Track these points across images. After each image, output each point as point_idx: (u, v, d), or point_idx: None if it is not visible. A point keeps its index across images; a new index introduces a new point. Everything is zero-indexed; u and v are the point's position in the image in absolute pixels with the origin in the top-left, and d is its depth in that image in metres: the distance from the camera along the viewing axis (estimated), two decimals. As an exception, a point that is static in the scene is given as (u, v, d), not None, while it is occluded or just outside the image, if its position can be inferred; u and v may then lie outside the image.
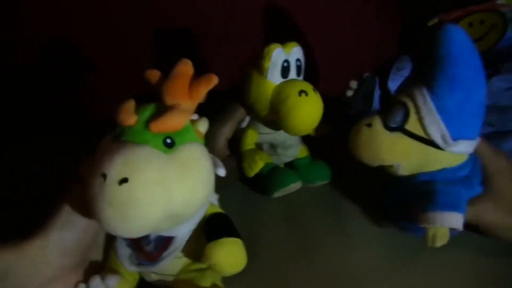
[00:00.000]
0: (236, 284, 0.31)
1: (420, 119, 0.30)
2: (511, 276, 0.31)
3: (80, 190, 0.27)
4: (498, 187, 0.32)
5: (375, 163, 0.33)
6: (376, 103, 0.48)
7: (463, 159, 0.32)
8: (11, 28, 0.59)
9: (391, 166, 0.32)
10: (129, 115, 0.25)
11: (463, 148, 0.30)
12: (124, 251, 0.29)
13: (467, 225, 0.31)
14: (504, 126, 0.44)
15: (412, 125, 0.30)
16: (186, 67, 0.28)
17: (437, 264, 0.33)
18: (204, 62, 0.62)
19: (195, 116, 0.29)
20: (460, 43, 0.29)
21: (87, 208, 0.27)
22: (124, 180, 0.22)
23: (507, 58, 0.48)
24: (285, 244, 0.37)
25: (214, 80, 0.28)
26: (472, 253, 0.34)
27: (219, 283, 0.30)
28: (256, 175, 0.43)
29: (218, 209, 0.30)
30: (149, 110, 0.26)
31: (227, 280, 0.30)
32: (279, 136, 0.44)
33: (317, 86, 0.40)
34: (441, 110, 0.29)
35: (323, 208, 0.42)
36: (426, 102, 0.29)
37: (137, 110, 0.26)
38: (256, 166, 0.42)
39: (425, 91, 0.30)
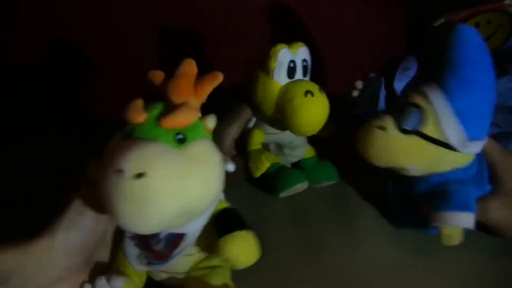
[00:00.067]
0: (243, 283, 0.30)
1: (437, 122, 0.30)
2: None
3: (87, 190, 0.27)
4: (507, 186, 0.32)
5: (387, 165, 0.33)
6: (382, 103, 0.48)
7: (471, 158, 0.32)
8: (11, 28, 0.59)
9: (402, 168, 0.32)
10: (139, 113, 0.25)
11: (476, 149, 0.30)
12: (132, 251, 0.29)
13: (476, 224, 0.31)
14: (511, 127, 0.44)
15: (429, 128, 0.30)
16: (190, 67, 0.28)
17: (443, 263, 0.33)
18: (205, 62, 0.62)
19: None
20: (475, 44, 0.29)
21: (95, 207, 0.27)
22: (140, 175, 0.22)
23: (514, 58, 0.48)
24: (292, 243, 0.37)
25: (219, 78, 0.28)
26: (477, 252, 0.33)
27: (229, 281, 0.30)
28: (263, 175, 0.43)
29: (226, 204, 0.30)
30: (158, 108, 0.26)
31: (234, 278, 0.30)
32: (286, 136, 0.44)
33: (323, 86, 0.40)
34: (458, 113, 0.29)
35: (329, 208, 0.42)
36: (443, 105, 0.29)
37: (146, 108, 0.26)
38: (262, 166, 0.42)
39: (440, 93, 0.30)
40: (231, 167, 0.29)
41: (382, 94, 0.48)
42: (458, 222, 0.29)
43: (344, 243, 0.36)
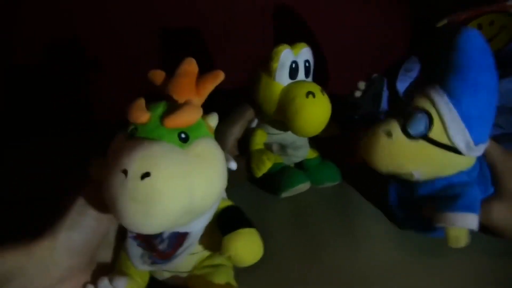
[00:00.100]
0: (244, 282, 0.30)
1: (444, 127, 0.30)
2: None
3: (89, 190, 0.27)
4: (508, 186, 0.32)
5: (393, 171, 0.33)
6: (384, 104, 0.48)
7: (474, 160, 0.32)
8: (11, 28, 0.59)
9: (408, 173, 0.32)
10: (142, 113, 0.25)
11: (480, 151, 0.31)
12: (135, 251, 0.29)
13: (479, 225, 0.31)
14: (513, 128, 0.44)
15: (435, 132, 0.30)
16: (191, 66, 0.28)
17: (444, 264, 0.33)
18: (205, 62, 0.62)
19: None
20: (480, 47, 0.29)
21: (97, 208, 0.27)
22: (146, 175, 0.22)
23: (517, 60, 0.48)
24: (293, 243, 0.37)
25: (220, 76, 0.28)
26: (478, 253, 0.33)
27: (232, 280, 0.30)
28: (265, 174, 0.43)
29: (229, 202, 0.30)
30: (160, 107, 0.26)
31: (235, 278, 0.30)
32: (288, 136, 0.44)
33: (325, 87, 0.40)
34: (464, 117, 0.29)
35: (331, 208, 0.42)
36: (450, 109, 0.29)
37: (148, 107, 0.26)
38: (264, 166, 0.42)
39: (447, 98, 0.29)
40: (233, 165, 0.29)
41: (385, 94, 0.48)
42: (463, 223, 0.29)
43: (345, 244, 0.36)
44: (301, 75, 0.40)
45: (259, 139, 0.44)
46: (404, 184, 0.36)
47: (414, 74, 0.51)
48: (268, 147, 0.46)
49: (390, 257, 0.34)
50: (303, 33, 0.65)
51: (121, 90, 0.54)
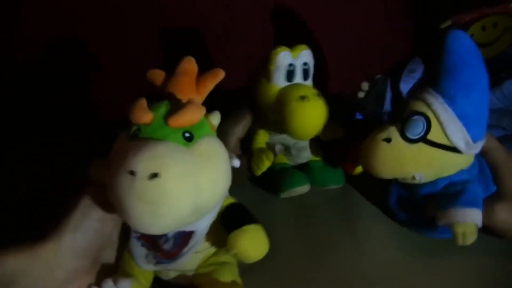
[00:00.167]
0: (246, 282, 0.30)
1: (443, 128, 0.30)
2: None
3: (92, 191, 0.27)
4: (511, 187, 0.32)
5: (396, 176, 0.33)
6: (387, 105, 0.48)
7: (473, 158, 0.32)
8: (11, 28, 0.59)
9: (411, 177, 0.32)
10: (145, 113, 0.25)
11: (478, 149, 0.31)
12: (139, 251, 0.28)
13: (481, 226, 0.31)
14: (517, 130, 0.44)
15: (434, 134, 0.30)
16: (190, 64, 0.28)
17: (446, 265, 0.33)
18: (205, 62, 0.62)
19: None
20: (470, 48, 0.30)
21: (101, 209, 0.27)
22: (154, 175, 0.22)
23: (520, 62, 0.48)
24: (295, 244, 0.37)
25: (221, 74, 0.28)
26: (479, 254, 0.33)
27: (238, 277, 0.30)
28: (266, 174, 0.43)
29: (232, 200, 0.30)
30: (163, 107, 0.26)
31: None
32: (289, 137, 0.44)
33: (327, 87, 0.40)
34: (461, 116, 0.30)
35: (333, 209, 0.42)
36: (446, 110, 0.30)
37: (150, 108, 0.26)
38: (263, 165, 0.42)
39: (441, 99, 0.30)
40: (236, 163, 0.29)
41: (388, 95, 0.48)
42: (467, 218, 0.29)
43: (347, 244, 0.36)
44: (298, 77, 0.40)
45: (261, 139, 0.45)
46: (405, 186, 0.36)
47: (417, 75, 0.51)
48: (271, 147, 0.46)
49: (391, 258, 0.34)
50: (303, 34, 0.65)
51: (122, 90, 0.54)
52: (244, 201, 0.31)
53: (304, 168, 0.46)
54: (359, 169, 0.40)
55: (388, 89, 0.48)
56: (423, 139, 0.31)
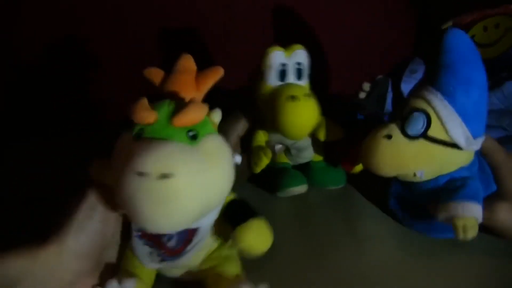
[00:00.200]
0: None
1: (443, 124, 0.30)
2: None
3: (95, 193, 0.27)
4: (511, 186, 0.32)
5: (398, 173, 0.33)
6: (388, 106, 0.48)
7: (472, 155, 0.33)
8: (11, 28, 0.59)
9: (412, 174, 0.32)
10: (149, 113, 0.25)
11: (478, 145, 0.31)
12: (142, 250, 0.29)
13: (481, 226, 0.31)
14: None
15: (435, 130, 0.31)
16: (188, 62, 0.29)
17: (447, 265, 0.33)
18: (205, 62, 0.62)
19: None
20: (468, 46, 0.30)
21: (103, 210, 0.27)
22: (165, 176, 0.22)
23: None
24: (295, 243, 0.37)
25: (220, 72, 0.28)
26: (480, 254, 0.33)
27: (241, 271, 0.30)
28: (265, 173, 0.43)
29: (233, 195, 0.31)
30: (165, 106, 0.26)
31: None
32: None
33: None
34: (460, 112, 0.30)
35: (333, 209, 0.42)
36: (446, 107, 0.30)
37: (152, 107, 0.26)
38: (261, 162, 0.42)
39: (441, 96, 0.30)
40: (238, 159, 0.29)
41: (389, 96, 0.48)
42: (468, 212, 0.29)
43: (347, 244, 0.36)
44: (291, 77, 0.40)
45: (260, 137, 0.45)
46: (405, 185, 0.36)
47: (419, 75, 0.51)
48: (270, 146, 0.46)
49: (391, 258, 0.34)
50: (303, 34, 0.65)
51: (122, 90, 0.54)
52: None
53: (305, 168, 0.46)
54: (358, 168, 0.40)
55: (389, 90, 0.48)
56: (424, 136, 0.31)
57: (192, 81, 0.28)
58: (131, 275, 0.28)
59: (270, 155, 0.41)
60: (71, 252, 0.25)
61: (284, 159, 0.46)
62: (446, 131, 0.30)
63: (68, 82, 0.63)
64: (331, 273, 0.33)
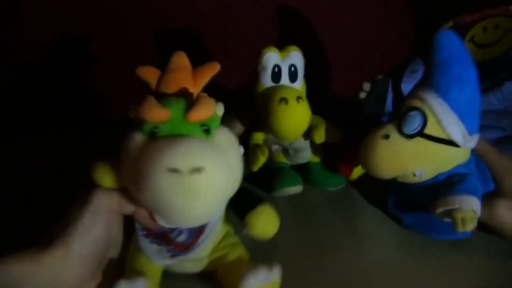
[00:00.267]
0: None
1: (439, 122, 0.30)
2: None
3: (100, 198, 0.27)
4: (510, 187, 0.32)
5: (397, 174, 0.33)
6: (388, 106, 0.48)
7: (469, 152, 0.33)
8: (11, 28, 0.59)
9: (413, 175, 0.32)
10: (162, 111, 0.25)
11: (474, 142, 0.31)
12: (150, 248, 0.29)
13: (481, 224, 0.31)
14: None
15: (431, 128, 0.31)
16: (182, 59, 0.29)
17: (446, 265, 0.33)
18: (205, 62, 0.62)
19: None
20: (458, 45, 0.31)
21: (108, 215, 0.27)
22: (196, 170, 0.23)
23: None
24: (294, 243, 0.37)
25: (216, 67, 0.29)
26: (479, 254, 0.33)
27: (247, 256, 0.31)
28: (262, 171, 0.43)
29: None
30: (175, 103, 0.26)
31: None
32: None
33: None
34: (455, 109, 0.30)
35: (333, 208, 0.42)
36: (441, 104, 0.30)
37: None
38: (258, 161, 0.42)
39: (435, 94, 0.31)
40: (241, 149, 0.30)
41: (389, 96, 0.48)
42: (466, 204, 0.29)
43: (348, 244, 0.36)
44: (284, 79, 0.40)
45: (258, 136, 0.45)
46: (404, 187, 0.36)
47: (419, 75, 0.51)
48: (268, 146, 0.46)
49: (391, 258, 0.34)
50: (304, 34, 0.65)
51: (121, 90, 0.54)
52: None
53: (304, 168, 0.46)
54: (356, 174, 0.40)
55: (390, 90, 0.48)
56: (421, 134, 0.31)
57: (189, 77, 0.29)
58: (139, 273, 0.28)
59: (267, 153, 0.42)
60: (76, 256, 0.25)
61: (282, 159, 0.46)
62: (443, 129, 0.31)
63: (68, 82, 0.63)
64: (331, 273, 0.33)
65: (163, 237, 0.29)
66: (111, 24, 0.61)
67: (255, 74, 0.42)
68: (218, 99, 0.29)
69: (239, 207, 0.29)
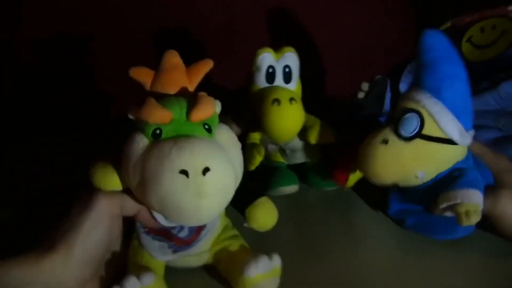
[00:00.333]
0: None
1: (436, 121, 0.30)
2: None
3: (101, 203, 0.27)
4: (510, 182, 0.32)
5: (399, 178, 0.33)
6: (387, 106, 0.48)
7: (466, 149, 0.33)
8: (11, 28, 0.59)
9: (413, 177, 0.32)
10: (164, 113, 0.25)
11: (470, 139, 0.31)
12: (152, 245, 0.29)
13: (481, 223, 0.30)
14: (514, 131, 0.44)
15: (429, 128, 0.31)
16: (175, 58, 0.29)
17: (446, 265, 0.33)
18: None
19: None
20: (446, 44, 0.31)
21: (109, 220, 0.27)
22: (206, 170, 0.23)
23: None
24: (293, 243, 0.37)
25: (210, 64, 0.29)
26: (480, 254, 0.33)
27: (247, 246, 0.32)
28: (259, 170, 0.43)
29: None
30: (175, 103, 0.26)
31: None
32: None
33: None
34: (450, 107, 0.30)
35: (332, 208, 0.42)
36: (436, 103, 0.30)
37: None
38: (254, 159, 0.42)
39: (429, 94, 0.31)
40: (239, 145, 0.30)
41: (388, 96, 0.48)
42: (467, 198, 0.29)
43: (347, 244, 0.36)
44: (279, 80, 0.40)
45: (255, 135, 0.45)
46: (404, 191, 0.36)
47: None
48: (265, 146, 0.46)
49: (391, 258, 0.34)
50: (303, 34, 0.65)
51: (121, 90, 0.54)
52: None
53: (300, 168, 0.46)
54: (352, 180, 0.40)
55: (388, 90, 0.48)
56: (419, 135, 0.31)
57: (183, 75, 0.29)
58: (144, 269, 0.28)
59: (263, 152, 0.42)
60: (77, 260, 0.26)
61: (279, 159, 0.46)
62: (440, 128, 0.31)
63: (68, 82, 0.63)
64: (330, 273, 0.33)
65: (165, 234, 0.29)
66: (111, 24, 0.61)
67: (250, 74, 0.42)
68: (216, 98, 0.29)
69: (239, 200, 0.30)
